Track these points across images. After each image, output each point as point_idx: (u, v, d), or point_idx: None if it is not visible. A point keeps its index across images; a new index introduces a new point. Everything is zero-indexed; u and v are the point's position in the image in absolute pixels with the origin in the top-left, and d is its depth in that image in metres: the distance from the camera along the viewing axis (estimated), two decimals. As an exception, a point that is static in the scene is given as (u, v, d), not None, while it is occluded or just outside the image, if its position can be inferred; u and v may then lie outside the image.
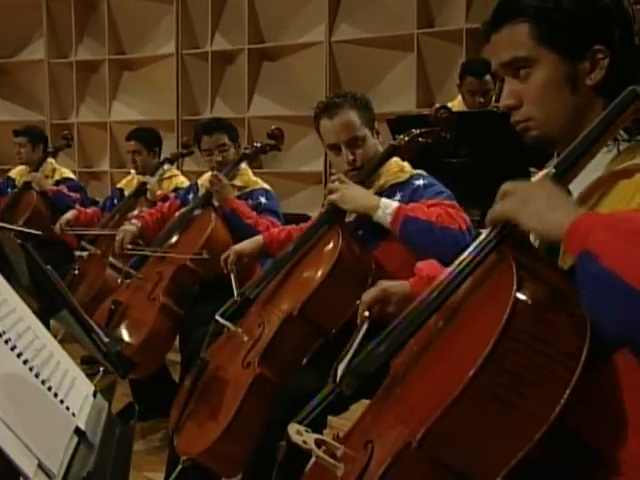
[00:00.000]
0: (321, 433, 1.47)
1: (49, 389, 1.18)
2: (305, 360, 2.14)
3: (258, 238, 2.74)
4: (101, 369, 1.99)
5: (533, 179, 1.42)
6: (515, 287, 1.03)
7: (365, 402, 1.55)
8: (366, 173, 2.31)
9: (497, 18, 1.30)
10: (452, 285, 1.20)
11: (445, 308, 1.21)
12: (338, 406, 1.65)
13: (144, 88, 6.53)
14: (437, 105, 2.40)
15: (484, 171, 3.44)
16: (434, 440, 1.02)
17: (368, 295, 1.72)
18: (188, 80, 6.24)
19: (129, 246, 3.32)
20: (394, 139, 2.43)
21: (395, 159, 2.38)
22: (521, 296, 1.02)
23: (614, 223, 1.00)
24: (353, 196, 2.21)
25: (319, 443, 1.29)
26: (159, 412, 3.07)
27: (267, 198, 3.26)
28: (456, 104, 4.28)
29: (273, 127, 3.32)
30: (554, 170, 1.17)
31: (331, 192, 2.26)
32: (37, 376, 1.17)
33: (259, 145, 3.30)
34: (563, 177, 1.16)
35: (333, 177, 2.32)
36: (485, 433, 1.02)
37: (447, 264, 2.09)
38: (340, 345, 1.65)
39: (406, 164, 2.40)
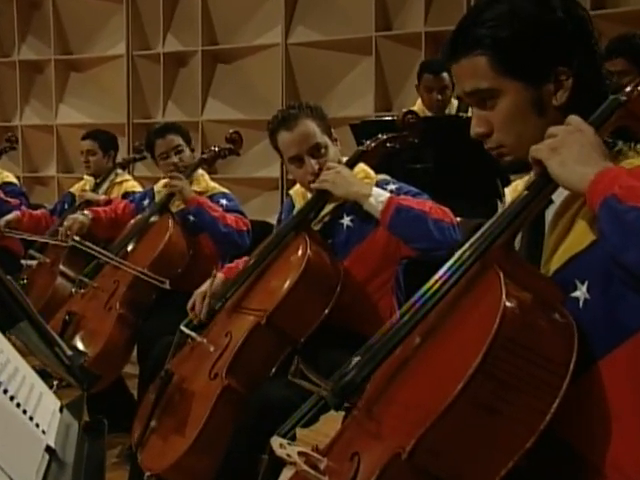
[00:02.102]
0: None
1: (17, 405, 1.15)
2: (273, 371, 2.13)
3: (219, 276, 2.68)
4: (55, 382, 1.96)
5: (512, 187, 1.44)
6: (504, 295, 1.04)
7: (333, 413, 1.55)
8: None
9: (454, 50, 1.32)
10: (435, 298, 1.22)
11: (427, 319, 1.23)
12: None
13: (93, 90, 6.46)
14: (404, 110, 2.42)
15: (449, 177, 3.49)
16: (424, 451, 1.03)
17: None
18: (139, 82, 6.19)
19: (76, 237, 3.26)
20: (358, 144, 2.44)
21: (361, 165, 2.39)
22: (510, 304, 1.04)
23: None
24: (347, 182, 2.20)
25: (302, 456, 1.29)
26: (116, 427, 3.02)
27: (228, 200, 3.27)
28: (416, 108, 4.33)
29: (231, 131, 3.31)
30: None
31: (323, 180, 2.23)
32: (5, 392, 1.14)
33: (217, 149, 3.29)
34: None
35: (328, 164, 2.28)
36: (476, 443, 1.03)
37: (432, 258, 2.11)
38: (309, 354, 1.65)
39: (370, 170, 2.42)
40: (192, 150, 3.38)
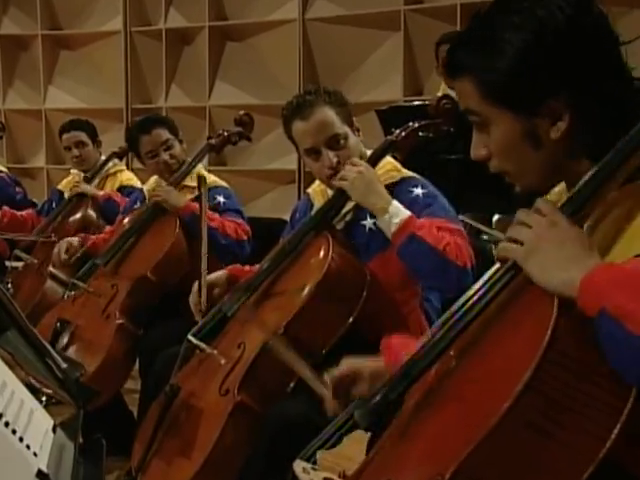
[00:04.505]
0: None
1: (6, 425, 1.16)
2: (291, 386, 2.17)
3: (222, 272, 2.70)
4: (44, 399, 1.99)
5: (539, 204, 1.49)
6: (555, 305, 1.07)
7: (359, 433, 1.58)
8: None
9: (447, 71, 1.38)
10: (470, 315, 1.25)
11: (466, 335, 1.26)
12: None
13: (86, 71, 6.52)
14: (439, 94, 2.44)
15: (485, 170, 3.50)
16: (465, 478, 1.05)
17: (334, 377, 1.66)
18: (138, 62, 6.25)
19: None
20: (385, 132, 2.46)
21: (388, 158, 2.41)
22: (563, 315, 1.06)
23: (631, 278, 1.05)
24: (366, 188, 2.22)
25: (328, 482, 1.33)
26: (113, 449, 3.06)
27: (226, 197, 3.28)
28: (440, 94, 4.35)
29: (242, 112, 3.32)
30: (569, 204, 1.21)
31: (342, 178, 2.26)
32: (-8, 410, 1.15)
33: (226, 134, 3.29)
34: (578, 212, 1.21)
35: (352, 160, 2.29)
36: (524, 471, 1.04)
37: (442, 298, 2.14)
38: (331, 367, 1.67)
39: (398, 165, 2.44)
40: (181, 142, 3.37)
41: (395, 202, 2.22)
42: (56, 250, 3.44)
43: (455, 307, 1.30)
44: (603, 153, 1.23)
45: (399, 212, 2.20)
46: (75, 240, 3.49)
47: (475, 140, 1.38)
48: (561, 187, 1.42)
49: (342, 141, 2.33)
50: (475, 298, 1.25)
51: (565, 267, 1.12)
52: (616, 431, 1.01)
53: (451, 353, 1.27)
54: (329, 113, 2.33)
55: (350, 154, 2.32)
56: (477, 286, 1.29)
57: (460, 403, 1.20)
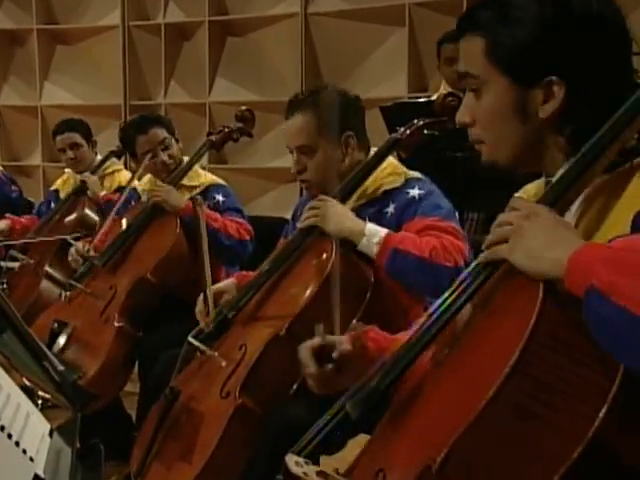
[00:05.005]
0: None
1: (1, 429, 1.16)
2: (294, 388, 2.18)
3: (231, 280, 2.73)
4: (39, 402, 2.00)
5: (522, 191, 1.52)
6: (542, 288, 1.10)
7: (363, 437, 1.60)
8: (361, 174, 2.37)
9: (460, 25, 1.44)
10: (454, 307, 1.29)
11: (448, 331, 1.30)
12: (336, 439, 1.70)
13: (83, 66, 6.52)
14: (444, 91, 2.46)
15: (492, 167, 3.52)
16: (457, 461, 1.06)
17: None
18: (137, 58, 6.25)
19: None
20: (389, 129, 2.47)
21: (389, 159, 2.43)
22: (549, 297, 1.09)
23: (617, 255, 1.08)
24: (338, 215, 2.26)
25: (321, 476, 1.34)
26: (111, 453, 3.08)
27: (224, 195, 3.30)
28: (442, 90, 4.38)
29: (243, 108, 3.34)
30: (548, 195, 1.26)
31: (311, 211, 2.31)
32: (-13, 414, 1.15)
33: (227, 130, 3.30)
34: (557, 203, 1.24)
35: (320, 197, 2.35)
36: (514, 452, 1.07)
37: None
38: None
39: (399, 164, 2.46)
40: (177, 141, 3.38)
41: (369, 224, 2.25)
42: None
43: (443, 296, 1.33)
44: (580, 145, 1.27)
45: (376, 232, 2.24)
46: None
47: (464, 105, 1.43)
48: (537, 187, 1.47)
49: (309, 153, 2.39)
50: (460, 288, 1.29)
51: (551, 248, 1.15)
52: (604, 410, 1.03)
53: (442, 341, 1.31)
54: (306, 120, 2.39)
55: (317, 168, 2.39)
56: (462, 276, 1.33)
57: (450, 391, 1.23)
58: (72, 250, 3.40)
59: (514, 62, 1.35)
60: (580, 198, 1.30)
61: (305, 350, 1.68)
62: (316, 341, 1.66)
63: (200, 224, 2.57)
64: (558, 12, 1.32)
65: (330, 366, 1.66)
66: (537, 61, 1.33)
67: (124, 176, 4.18)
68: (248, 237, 3.17)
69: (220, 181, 3.41)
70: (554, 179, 1.30)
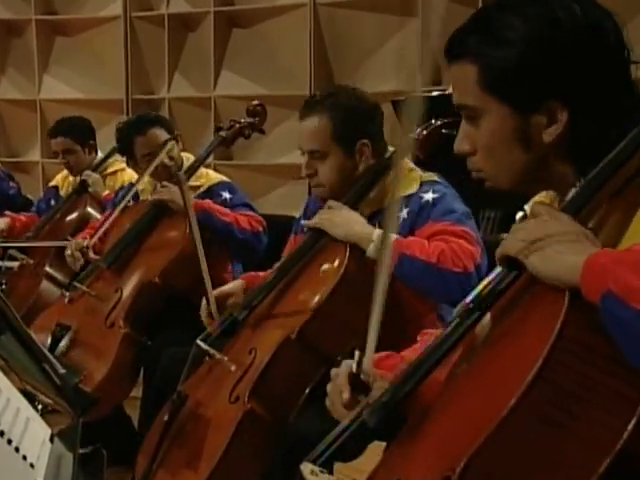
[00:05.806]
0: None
1: (1, 434, 1.17)
2: (305, 394, 2.20)
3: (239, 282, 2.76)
4: (39, 407, 2.02)
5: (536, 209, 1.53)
6: (567, 296, 1.11)
7: (379, 445, 1.61)
8: (371, 179, 2.40)
9: (448, 51, 1.41)
10: (477, 312, 1.31)
11: (471, 338, 1.32)
12: (353, 447, 1.71)
13: (83, 59, 6.52)
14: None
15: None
16: (476, 472, 1.07)
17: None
18: (139, 50, 6.25)
19: None
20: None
21: (405, 160, 2.45)
22: (575, 302, 1.10)
23: (634, 258, 1.08)
24: (346, 221, 2.29)
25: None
26: (113, 459, 3.10)
27: (231, 192, 3.31)
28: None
29: (255, 102, 3.31)
30: (570, 205, 1.26)
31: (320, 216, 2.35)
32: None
33: (238, 125, 3.27)
34: (580, 213, 1.25)
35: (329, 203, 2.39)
36: (536, 463, 1.07)
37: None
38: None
39: (414, 166, 2.48)
40: (177, 140, 3.39)
41: (377, 230, 2.26)
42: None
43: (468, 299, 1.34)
44: (589, 163, 1.27)
45: None
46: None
47: (462, 134, 1.42)
48: (549, 197, 1.46)
49: (320, 157, 2.41)
50: (488, 289, 1.30)
51: (569, 253, 1.15)
52: (633, 422, 1.03)
53: (463, 348, 1.33)
54: (321, 124, 2.40)
55: (327, 174, 2.41)
56: (489, 278, 1.33)
57: (470, 400, 1.24)
58: (71, 244, 3.42)
59: (509, 87, 1.33)
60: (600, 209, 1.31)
61: (342, 376, 1.64)
62: (354, 368, 1.65)
63: (186, 204, 2.57)
64: (546, 28, 1.31)
65: (363, 398, 1.65)
66: (533, 83, 1.32)
67: (128, 177, 4.17)
68: (261, 228, 3.18)
69: (224, 178, 3.42)
70: (575, 189, 1.30)
